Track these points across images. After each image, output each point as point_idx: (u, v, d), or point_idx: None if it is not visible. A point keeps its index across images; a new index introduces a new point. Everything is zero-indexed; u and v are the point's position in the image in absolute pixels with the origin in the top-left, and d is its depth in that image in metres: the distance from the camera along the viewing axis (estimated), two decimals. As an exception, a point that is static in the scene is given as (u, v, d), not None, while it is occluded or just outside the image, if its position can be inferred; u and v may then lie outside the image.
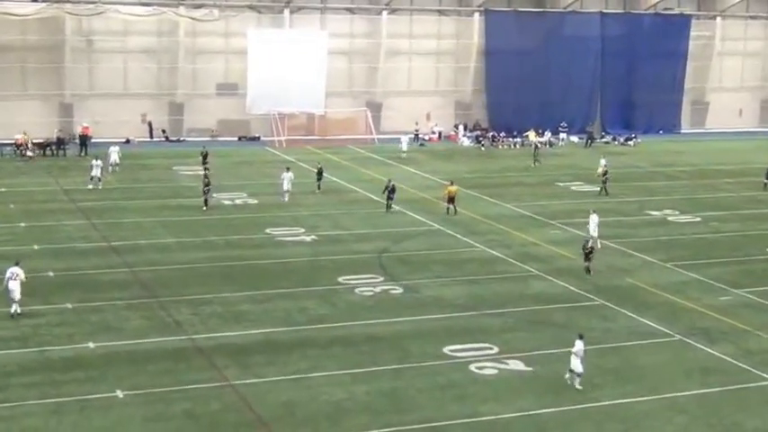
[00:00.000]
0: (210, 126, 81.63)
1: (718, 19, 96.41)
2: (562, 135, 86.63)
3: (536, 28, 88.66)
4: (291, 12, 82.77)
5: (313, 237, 49.94)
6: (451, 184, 56.04)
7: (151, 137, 79.40)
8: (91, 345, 33.72)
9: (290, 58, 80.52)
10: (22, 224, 50.31)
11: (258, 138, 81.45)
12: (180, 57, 79.69)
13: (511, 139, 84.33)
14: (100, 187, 58.30)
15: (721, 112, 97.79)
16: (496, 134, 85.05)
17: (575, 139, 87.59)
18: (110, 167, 64.64)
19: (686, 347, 36.10)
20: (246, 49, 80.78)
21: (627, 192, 63.88)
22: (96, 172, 58.87)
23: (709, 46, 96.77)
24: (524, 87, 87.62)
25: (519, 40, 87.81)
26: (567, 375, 31.62)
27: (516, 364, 33.56)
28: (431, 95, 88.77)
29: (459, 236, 50.98)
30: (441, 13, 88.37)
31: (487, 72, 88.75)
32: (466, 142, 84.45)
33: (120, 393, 29.83)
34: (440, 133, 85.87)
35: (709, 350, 35.78)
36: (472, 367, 33.16)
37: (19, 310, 35.69)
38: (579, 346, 31.42)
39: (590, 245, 44.76)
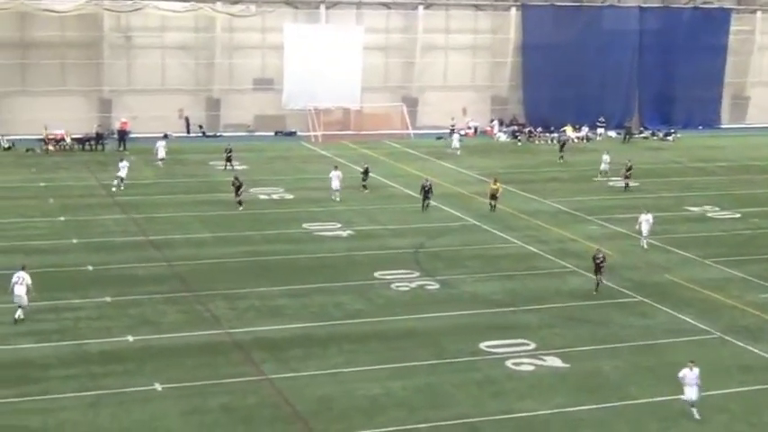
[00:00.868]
0: (247, 121, 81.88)
1: (759, 13, 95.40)
2: (600, 130, 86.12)
3: (573, 22, 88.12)
4: (327, 7, 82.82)
5: (349, 232, 49.97)
6: (495, 182, 55.48)
7: (188, 132, 79.73)
8: (129, 338, 33.95)
9: (326, 53, 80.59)
10: (62, 218, 50.71)
11: (294, 133, 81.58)
12: (217, 52, 79.99)
13: (547, 135, 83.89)
14: (122, 188, 57.11)
15: (762, 107, 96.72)
16: (533, 129, 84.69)
17: (612, 134, 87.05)
18: (159, 162, 65.11)
19: (726, 345, 35.77)
20: (283, 44, 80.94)
21: (666, 187, 63.42)
22: (123, 173, 57.70)
23: (749, 40, 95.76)
24: (561, 82, 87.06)
25: (556, 34, 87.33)
26: (683, 401, 29.57)
27: (553, 361, 33.41)
28: (467, 90, 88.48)
29: (495, 231, 50.82)
30: (477, 7, 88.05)
31: (524, 67, 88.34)
32: (502, 137, 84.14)
33: (158, 386, 30.00)
34: (476, 128, 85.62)
35: (750, 348, 35.44)
36: (509, 363, 33.05)
37: (22, 316, 34.91)
38: (692, 373, 29.42)
39: (601, 255, 41.22)
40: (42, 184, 58.91)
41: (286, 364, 32.21)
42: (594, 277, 40.94)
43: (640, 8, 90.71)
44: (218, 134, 79.58)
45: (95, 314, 36.35)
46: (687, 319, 38.15)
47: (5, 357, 32.02)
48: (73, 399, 29.04)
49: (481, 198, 57.31)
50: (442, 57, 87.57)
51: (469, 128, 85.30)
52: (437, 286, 41.36)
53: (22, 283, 35.06)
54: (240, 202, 53.53)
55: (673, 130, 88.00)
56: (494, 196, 54.72)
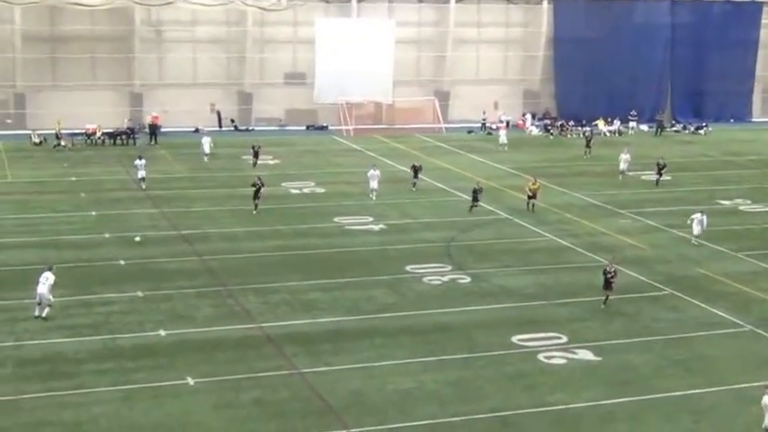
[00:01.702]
0: (278, 115, 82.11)
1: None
2: (632, 124, 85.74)
3: (605, 16, 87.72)
4: (359, 1, 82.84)
5: (381, 226, 50.00)
6: (535, 181, 54.35)
7: (220, 126, 79.97)
8: (162, 332, 34.11)
9: (357, 47, 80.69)
10: (93, 213, 50.99)
11: (326, 127, 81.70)
12: (248, 46, 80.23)
13: (579, 128, 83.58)
14: (144, 187, 56.23)
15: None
16: (565, 123, 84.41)
17: (644, 127, 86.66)
18: (204, 157, 65.25)
19: (757, 338, 35.62)
20: (314, 38, 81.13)
21: (697, 181, 63.06)
22: (142, 173, 56.61)
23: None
24: (593, 76, 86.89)
25: (588, 28, 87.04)
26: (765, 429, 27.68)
27: (585, 354, 33.37)
28: (498, 84, 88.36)
29: (527, 225, 50.72)
30: (508, 1, 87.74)
31: (556, 60, 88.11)
32: (534, 131, 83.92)
33: (190, 381, 30.14)
34: (507, 122, 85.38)
35: (782, 341, 35.33)
36: (541, 357, 33.02)
37: (43, 314, 34.68)
38: None
39: (613, 269, 38.19)
40: (74, 179, 59.28)
41: (318, 358, 32.29)
42: (604, 291, 38.09)
43: (672, 2, 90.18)
44: (250, 128, 79.82)
45: (127, 308, 36.54)
46: (718, 313, 37.98)
47: (38, 352, 32.22)
48: (105, 393, 29.21)
49: (513, 192, 57.19)
50: (473, 50, 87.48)
51: (501, 121, 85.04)
52: (469, 280, 41.33)
53: (45, 282, 34.75)
54: (257, 206, 51.51)
55: (704, 124, 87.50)
56: (533, 196, 53.53)
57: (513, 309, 37.93)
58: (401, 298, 38.82)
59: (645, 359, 33.05)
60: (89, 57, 76.98)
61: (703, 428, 28.32)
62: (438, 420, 28.12)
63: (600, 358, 33.11)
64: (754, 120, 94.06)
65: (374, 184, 55.49)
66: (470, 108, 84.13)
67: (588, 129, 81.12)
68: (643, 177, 63.37)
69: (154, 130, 73.03)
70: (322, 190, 58.10)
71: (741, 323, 36.93)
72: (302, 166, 64.78)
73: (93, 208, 51.92)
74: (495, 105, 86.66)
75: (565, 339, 34.64)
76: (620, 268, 41.77)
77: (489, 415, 28.53)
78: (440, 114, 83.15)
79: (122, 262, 42.33)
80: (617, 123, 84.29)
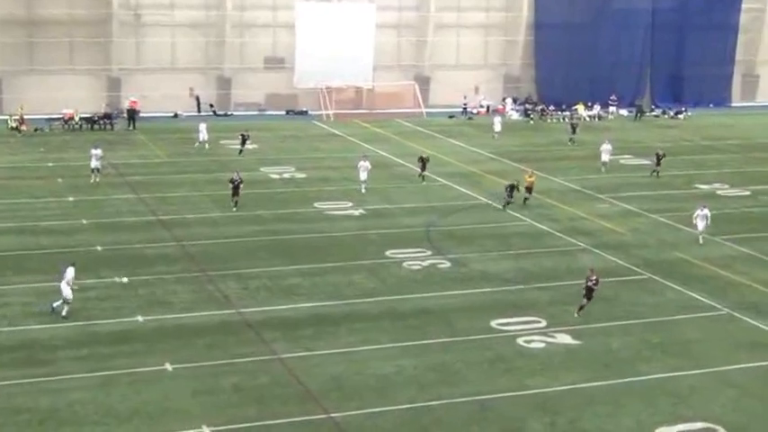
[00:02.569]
0: (258, 100, 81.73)
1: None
2: (612, 108, 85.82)
3: (586, 1, 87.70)
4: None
5: (361, 211, 49.90)
6: (531, 174, 53.00)
7: (199, 111, 79.49)
8: (140, 318, 33.96)
9: (338, 31, 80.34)
10: (71, 198, 50.67)
11: (306, 112, 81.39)
12: (227, 30, 79.73)
13: (560, 113, 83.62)
14: (97, 180, 53.55)
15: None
16: (545, 108, 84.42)
17: (624, 112, 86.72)
18: (197, 144, 64.64)
19: (735, 321, 35.87)
20: (294, 22, 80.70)
21: (676, 165, 63.11)
22: (96, 163, 53.88)
23: (760, 18, 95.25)
24: (574, 61, 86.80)
25: (568, 12, 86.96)
26: None
27: (564, 338, 33.49)
28: (479, 69, 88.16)
29: (507, 210, 50.68)
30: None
31: (536, 45, 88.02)
32: (514, 115, 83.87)
33: (168, 366, 30.03)
34: (488, 107, 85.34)
35: (758, 324, 35.60)
36: (520, 341, 33.10)
37: (63, 311, 33.84)
38: None
39: (595, 277, 35.69)
40: (51, 164, 58.79)
41: (298, 344, 32.23)
42: (584, 299, 35.69)
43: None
44: (230, 113, 79.45)
45: (105, 294, 36.36)
46: (696, 296, 38.21)
47: (15, 338, 32.06)
48: (83, 379, 29.08)
49: (493, 177, 57.21)
50: (454, 35, 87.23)
51: (482, 106, 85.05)
52: (449, 265, 41.32)
53: (65, 278, 34.24)
54: (236, 203, 49.15)
55: (684, 109, 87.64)
56: (529, 189, 51.73)
57: (493, 293, 37.96)
58: (381, 283, 38.78)
59: (624, 342, 33.17)
60: (66, 41, 76.24)
61: (682, 410, 28.43)
62: (418, 404, 28.14)
63: (579, 342, 33.21)
64: (733, 105, 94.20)
65: (364, 176, 53.53)
66: (451, 93, 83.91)
67: (573, 115, 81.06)
68: (621, 162, 63.42)
69: (132, 114, 72.55)
70: (302, 175, 57.92)
71: (719, 306, 37.15)
72: (282, 152, 64.55)
73: (70, 193, 51.57)
74: (476, 90, 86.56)
75: (544, 323, 34.72)
76: (600, 252, 41.92)
77: (469, 399, 28.57)
78: (420, 99, 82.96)
79: (99, 248, 42.08)
80: (597, 108, 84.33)
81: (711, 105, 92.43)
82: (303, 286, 37.99)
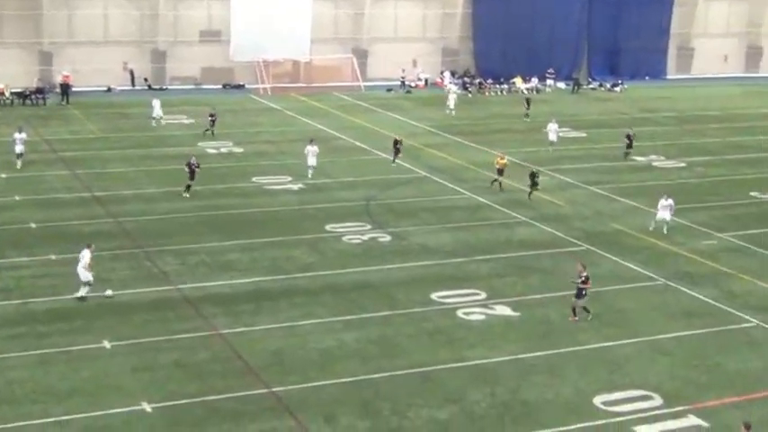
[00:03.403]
0: (194, 74, 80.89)
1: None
2: (549, 81, 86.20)
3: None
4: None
5: (300, 185, 49.70)
6: (502, 157, 51.22)
7: (133, 85, 78.58)
8: (76, 295, 33.53)
9: (274, 3, 79.68)
10: (3, 175, 49.77)
11: (242, 86, 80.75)
12: (161, 3, 78.61)
13: (498, 86, 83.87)
14: (19, 166, 50.93)
15: (707, 58, 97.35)
16: (483, 81, 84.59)
17: (562, 85, 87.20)
18: (152, 120, 63.56)
19: (670, 291, 36.41)
20: (230, -6, 79.97)
21: (613, 137, 63.53)
22: (20, 148, 51.19)
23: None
24: (512, 34, 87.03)
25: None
26: None
27: (503, 310, 33.74)
28: (417, 42, 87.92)
29: (446, 183, 50.81)
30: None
31: (475, 18, 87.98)
32: (453, 89, 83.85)
33: (107, 344, 29.75)
34: (426, 80, 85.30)
35: (693, 293, 36.21)
36: (460, 313, 33.26)
37: (84, 294, 33.22)
38: None
39: (584, 275, 33.37)
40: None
41: (237, 319, 32.10)
42: (575, 301, 33.50)
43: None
44: (164, 87, 78.60)
45: (40, 272, 35.91)
46: (633, 267, 38.69)
47: (-50, 316, 31.58)
48: (19, 358, 28.71)
49: (432, 150, 57.26)
50: (391, 8, 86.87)
51: (420, 80, 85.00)
52: (389, 238, 41.35)
53: (81, 261, 33.44)
54: (189, 187, 46.86)
55: (620, 81, 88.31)
56: (500, 172, 50.34)
57: (433, 266, 38.07)
58: (321, 257, 38.71)
59: (562, 313, 33.44)
60: (-4, 14, 74.98)
61: (618, 379, 28.81)
62: (360, 377, 28.19)
63: (518, 313, 33.46)
64: (668, 77, 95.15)
65: (312, 161, 51.06)
66: (389, 66, 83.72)
67: (527, 89, 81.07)
68: (560, 135, 63.68)
69: (65, 89, 71.47)
70: (240, 150, 57.51)
71: (655, 276, 37.67)
72: (219, 126, 63.79)
73: (2, 170, 50.57)
74: (414, 63, 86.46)
75: (484, 295, 34.92)
76: (538, 224, 42.18)
77: (410, 371, 28.69)
78: (358, 72, 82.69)
79: (33, 225, 41.48)
80: (534, 81, 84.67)
81: (647, 78, 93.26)
82: (242, 261, 37.80)
